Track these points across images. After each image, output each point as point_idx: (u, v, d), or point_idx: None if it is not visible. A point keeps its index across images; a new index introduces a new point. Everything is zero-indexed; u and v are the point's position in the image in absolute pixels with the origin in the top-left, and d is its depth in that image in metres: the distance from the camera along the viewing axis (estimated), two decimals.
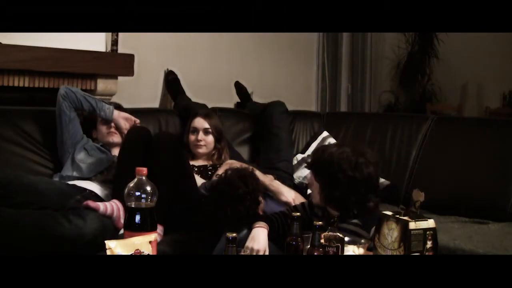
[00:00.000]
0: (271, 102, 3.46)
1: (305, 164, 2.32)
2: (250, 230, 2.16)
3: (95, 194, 2.53)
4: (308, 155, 3.20)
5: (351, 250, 1.91)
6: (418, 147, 3.17)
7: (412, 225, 1.77)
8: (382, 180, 3.02)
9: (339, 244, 1.85)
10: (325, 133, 3.48)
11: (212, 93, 4.13)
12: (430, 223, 1.80)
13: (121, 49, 3.74)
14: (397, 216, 1.82)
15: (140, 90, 3.95)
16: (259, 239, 2.09)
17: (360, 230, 2.11)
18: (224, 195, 2.28)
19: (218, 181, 2.37)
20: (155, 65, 4.03)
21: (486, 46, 4.87)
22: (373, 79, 5.35)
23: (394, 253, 1.79)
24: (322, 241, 1.84)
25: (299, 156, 3.35)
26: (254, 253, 2.04)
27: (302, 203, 2.39)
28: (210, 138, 2.99)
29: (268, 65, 4.69)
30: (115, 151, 2.77)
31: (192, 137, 3.00)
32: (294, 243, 1.92)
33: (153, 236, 1.68)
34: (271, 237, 2.13)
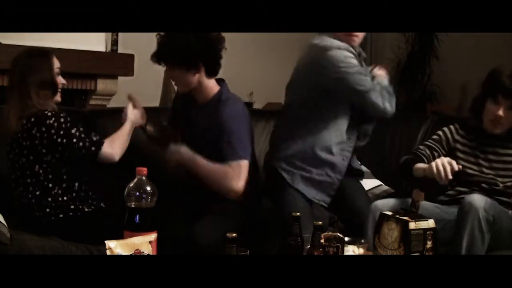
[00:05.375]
0: None
1: None
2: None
3: None
4: None
5: (351, 250, 1.91)
6: None
7: (412, 225, 1.77)
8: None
9: (339, 244, 1.85)
10: None
11: None
12: (430, 223, 1.80)
13: (121, 49, 3.74)
14: (397, 216, 1.82)
15: (140, 90, 3.94)
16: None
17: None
18: None
19: None
20: (155, 65, 4.02)
21: (486, 46, 4.85)
22: None
23: (394, 253, 1.79)
24: (322, 241, 1.84)
25: None
26: None
27: None
28: None
29: (268, 65, 4.68)
30: None
31: None
32: (294, 243, 1.92)
33: (153, 236, 1.68)
34: None
